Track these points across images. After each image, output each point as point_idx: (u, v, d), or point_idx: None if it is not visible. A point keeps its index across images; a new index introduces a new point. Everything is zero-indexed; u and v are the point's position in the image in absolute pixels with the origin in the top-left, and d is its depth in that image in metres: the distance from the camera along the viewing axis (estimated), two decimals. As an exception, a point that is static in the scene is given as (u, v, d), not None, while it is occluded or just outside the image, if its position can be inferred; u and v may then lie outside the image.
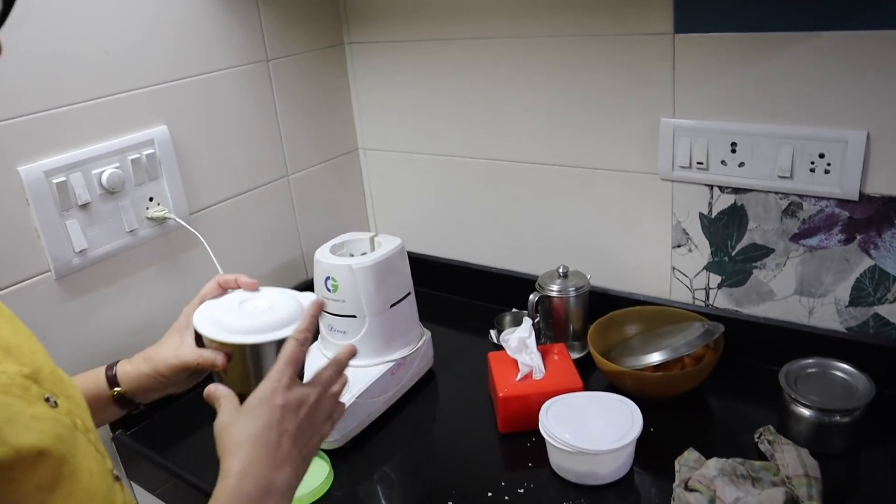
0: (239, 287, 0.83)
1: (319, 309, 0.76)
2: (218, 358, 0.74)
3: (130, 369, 0.84)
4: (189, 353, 0.79)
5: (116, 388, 0.84)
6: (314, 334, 0.75)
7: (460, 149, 1.49)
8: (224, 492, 0.62)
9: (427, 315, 1.37)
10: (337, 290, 1.20)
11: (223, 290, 0.84)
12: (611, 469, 1.02)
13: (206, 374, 0.84)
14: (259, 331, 0.73)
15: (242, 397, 0.71)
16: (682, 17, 1.15)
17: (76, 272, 1.14)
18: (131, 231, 1.19)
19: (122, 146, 1.16)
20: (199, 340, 0.80)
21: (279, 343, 0.73)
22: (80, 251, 1.13)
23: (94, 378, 0.84)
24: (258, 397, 0.68)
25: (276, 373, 0.69)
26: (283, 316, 0.75)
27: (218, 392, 0.72)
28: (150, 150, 1.20)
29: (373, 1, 1.48)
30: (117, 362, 0.86)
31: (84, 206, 1.12)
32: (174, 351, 0.81)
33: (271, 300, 0.78)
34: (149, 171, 1.20)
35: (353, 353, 0.77)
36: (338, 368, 0.75)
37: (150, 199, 1.22)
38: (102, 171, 1.14)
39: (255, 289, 0.82)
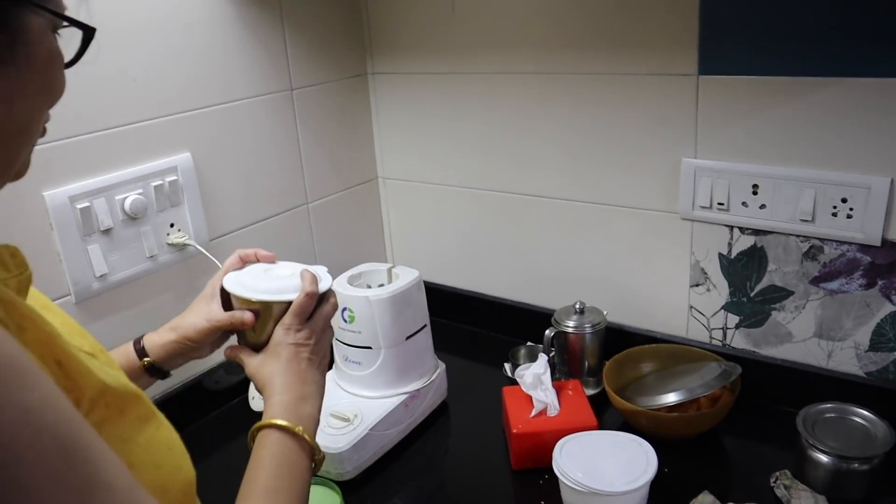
0: (258, 260, 0.94)
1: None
2: (247, 315, 0.87)
3: (157, 339, 0.92)
4: (219, 315, 0.89)
5: (146, 359, 0.91)
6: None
7: (479, 181, 1.50)
8: (271, 407, 0.78)
9: (442, 345, 1.37)
10: (353, 322, 1.21)
11: (243, 263, 0.94)
12: (625, 511, 1.01)
13: (225, 341, 0.95)
14: (283, 292, 0.86)
15: (259, 347, 0.86)
16: (706, 59, 1.15)
17: (96, 296, 1.15)
18: (151, 256, 1.20)
19: (145, 173, 1.18)
20: (227, 306, 0.91)
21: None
22: (101, 276, 1.14)
23: (124, 352, 0.92)
24: (276, 341, 0.84)
25: (288, 321, 0.85)
26: (300, 280, 0.87)
27: (236, 351, 0.88)
28: (174, 177, 1.22)
29: (397, 32, 1.50)
30: (143, 336, 0.93)
31: (106, 232, 1.13)
32: (204, 316, 0.90)
33: (290, 269, 0.90)
34: (171, 197, 1.22)
35: (314, 281, 0.87)
36: (313, 299, 0.87)
37: (171, 225, 1.23)
38: (126, 197, 1.15)
39: (273, 261, 0.94)
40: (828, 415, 1.09)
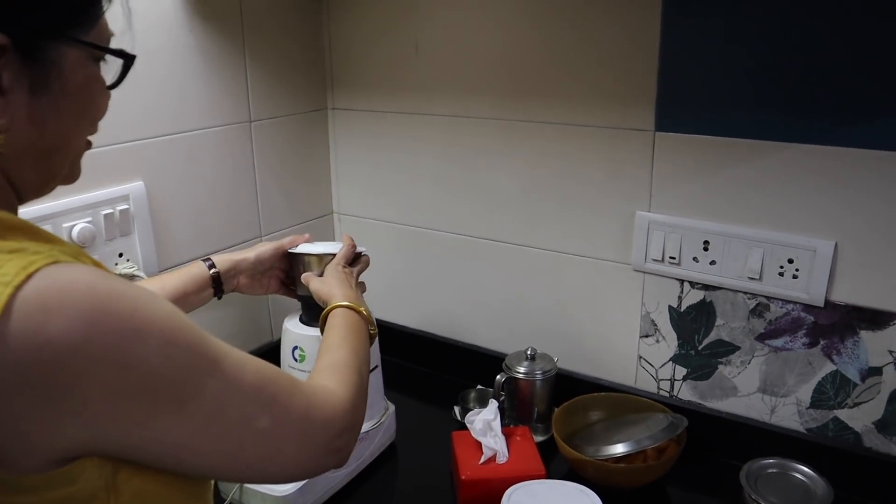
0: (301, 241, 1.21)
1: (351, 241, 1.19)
2: (306, 235, 1.22)
3: (226, 256, 1.15)
4: (281, 241, 1.20)
5: (213, 270, 1.11)
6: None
7: (435, 222, 1.50)
8: (337, 300, 1.00)
9: (392, 385, 1.36)
10: (304, 361, 1.19)
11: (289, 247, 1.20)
12: (571, 564, 1.01)
13: (277, 290, 1.22)
14: (330, 250, 1.16)
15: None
16: (663, 116, 1.18)
17: (37, 327, 1.10)
18: (98, 287, 1.16)
19: (95, 200, 1.15)
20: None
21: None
22: (44, 306, 1.09)
23: (188, 268, 1.11)
24: (329, 272, 1.11)
25: (337, 260, 1.13)
26: (337, 246, 1.18)
27: (308, 277, 1.13)
28: (125, 206, 1.19)
29: (359, 69, 1.50)
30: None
31: (52, 260, 1.09)
32: (269, 246, 1.18)
33: (326, 242, 1.23)
34: (121, 226, 1.19)
35: (353, 241, 1.19)
36: (353, 250, 1.18)
37: (120, 255, 1.20)
38: (74, 225, 1.12)
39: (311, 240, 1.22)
40: (770, 470, 1.12)
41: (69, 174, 0.67)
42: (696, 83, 1.14)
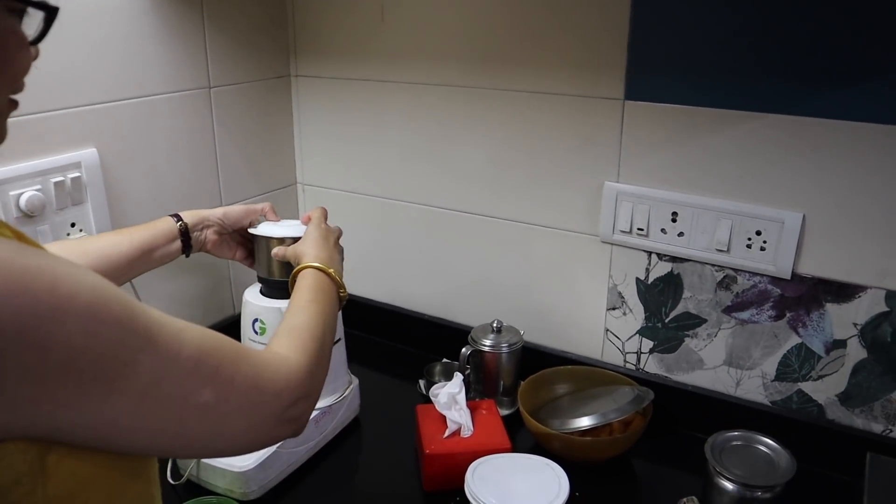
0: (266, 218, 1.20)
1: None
2: (267, 207, 1.21)
3: (194, 211, 1.14)
4: (251, 205, 1.20)
5: (181, 222, 1.11)
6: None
7: (401, 192, 1.47)
8: (308, 261, 0.98)
9: (356, 358, 1.33)
10: (264, 334, 1.16)
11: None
12: (535, 537, 1.00)
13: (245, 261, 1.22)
14: (297, 232, 1.14)
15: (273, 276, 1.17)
16: (633, 85, 1.16)
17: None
18: (48, 257, 1.12)
19: (45, 167, 1.10)
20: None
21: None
22: (-10, 276, 1.05)
23: (155, 222, 1.10)
24: (308, 233, 1.08)
25: (315, 221, 1.11)
26: (301, 227, 1.14)
27: (281, 250, 1.11)
28: (76, 174, 1.14)
29: (323, 36, 1.45)
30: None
31: (-2, 229, 1.05)
32: (239, 208, 1.18)
33: (291, 221, 1.20)
34: (73, 195, 1.14)
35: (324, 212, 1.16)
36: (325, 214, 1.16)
37: (73, 225, 1.15)
38: (21, 193, 1.07)
39: (277, 219, 1.21)
40: (734, 442, 1.11)
41: None
42: (667, 51, 1.12)
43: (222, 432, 0.61)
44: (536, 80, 1.24)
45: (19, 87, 0.59)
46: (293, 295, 0.92)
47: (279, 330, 0.81)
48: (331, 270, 0.97)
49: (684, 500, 1.07)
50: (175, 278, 1.35)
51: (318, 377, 0.78)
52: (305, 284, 0.94)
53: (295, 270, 0.99)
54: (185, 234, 1.11)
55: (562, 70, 1.22)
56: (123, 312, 0.52)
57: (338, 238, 1.13)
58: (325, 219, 1.14)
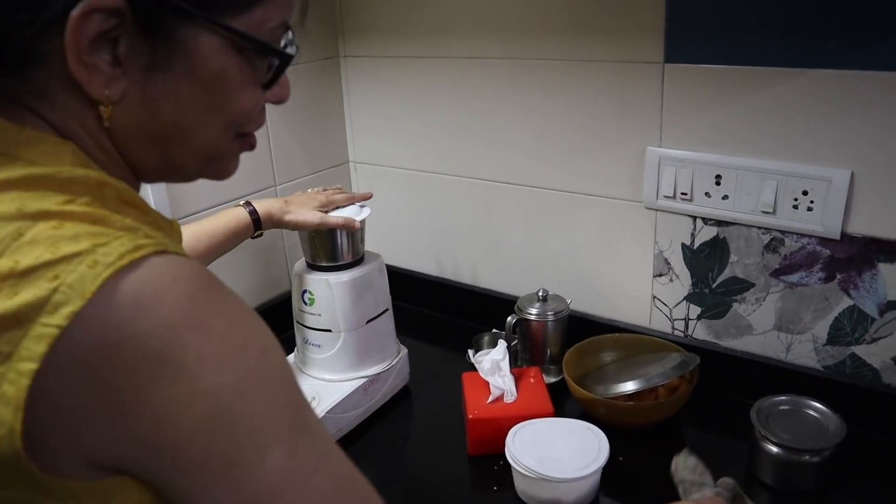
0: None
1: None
2: (357, 224, 1.23)
3: (267, 209, 1.17)
4: (331, 220, 1.19)
5: (251, 209, 1.15)
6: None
7: (448, 166, 1.49)
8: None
9: (406, 330, 1.36)
10: (313, 304, 1.20)
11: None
12: (574, 497, 1.01)
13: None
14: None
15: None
16: (672, 48, 1.14)
17: None
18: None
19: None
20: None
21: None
22: None
23: (226, 212, 1.15)
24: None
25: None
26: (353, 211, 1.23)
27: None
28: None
29: (369, 15, 1.48)
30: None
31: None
32: (317, 215, 1.19)
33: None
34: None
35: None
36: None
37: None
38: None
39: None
40: (782, 407, 1.09)
41: (215, 171, 0.61)
42: (705, 11, 1.10)
43: None
44: (576, 47, 1.24)
45: (241, 129, 0.59)
46: None
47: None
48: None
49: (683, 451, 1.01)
50: (230, 258, 1.41)
51: None
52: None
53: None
54: (257, 224, 1.16)
55: (601, 36, 1.21)
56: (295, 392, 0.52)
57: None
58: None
